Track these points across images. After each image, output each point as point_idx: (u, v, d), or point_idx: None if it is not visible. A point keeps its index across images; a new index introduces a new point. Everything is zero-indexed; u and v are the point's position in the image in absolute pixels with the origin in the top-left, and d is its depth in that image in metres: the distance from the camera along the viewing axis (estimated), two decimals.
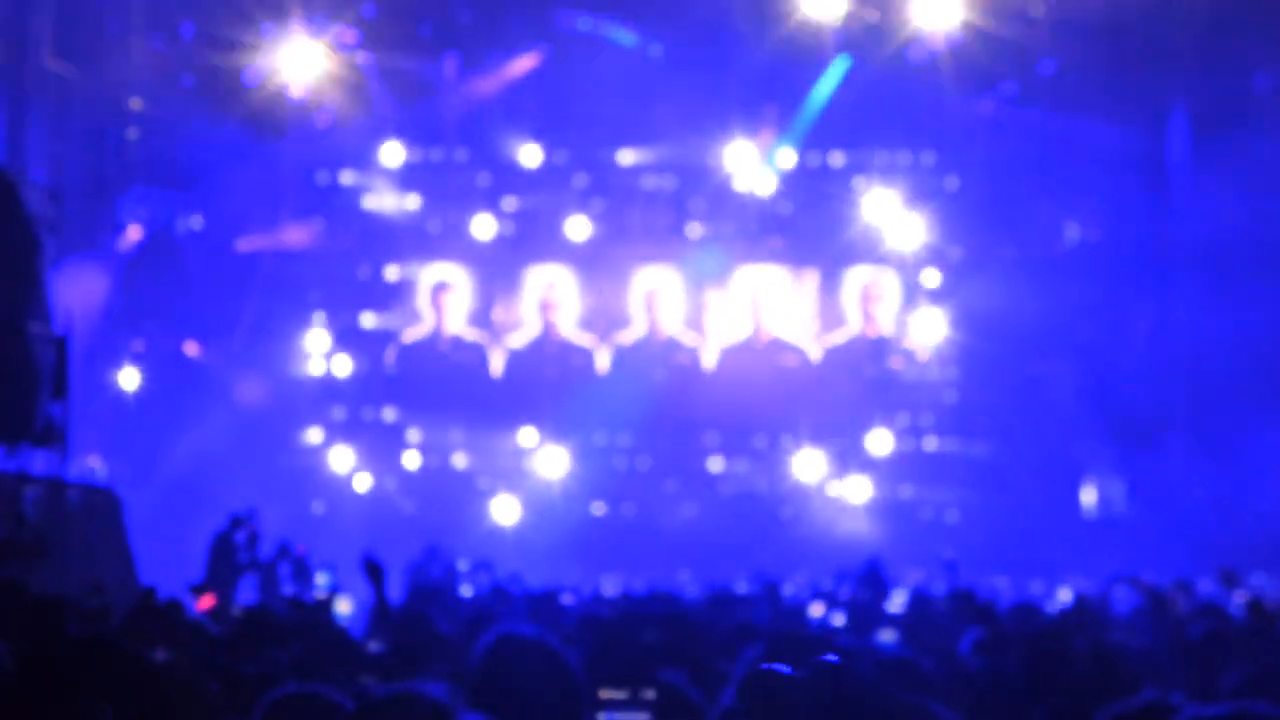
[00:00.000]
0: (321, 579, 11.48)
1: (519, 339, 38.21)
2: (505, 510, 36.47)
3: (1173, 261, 34.70)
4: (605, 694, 5.09)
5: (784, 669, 2.33)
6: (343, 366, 37.64)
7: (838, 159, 37.42)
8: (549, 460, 37.02)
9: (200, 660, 8.25)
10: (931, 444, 37.38)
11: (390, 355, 38.12)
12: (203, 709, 5.86)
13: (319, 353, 37.58)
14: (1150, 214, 34.91)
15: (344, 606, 11.70)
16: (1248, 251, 32.53)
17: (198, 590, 18.78)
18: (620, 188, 37.86)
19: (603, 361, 37.97)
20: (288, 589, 22.83)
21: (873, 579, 20.31)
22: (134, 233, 34.87)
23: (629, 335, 38.16)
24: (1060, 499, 34.95)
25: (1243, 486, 32.08)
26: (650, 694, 5.08)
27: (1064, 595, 21.52)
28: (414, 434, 37.65)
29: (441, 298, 38.29)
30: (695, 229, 37.80)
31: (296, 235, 36.92)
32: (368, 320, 38.11)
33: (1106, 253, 35.49)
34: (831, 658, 2.32)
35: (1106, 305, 35.56)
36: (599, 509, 37.10)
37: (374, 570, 11.56)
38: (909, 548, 31.24)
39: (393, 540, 30.60)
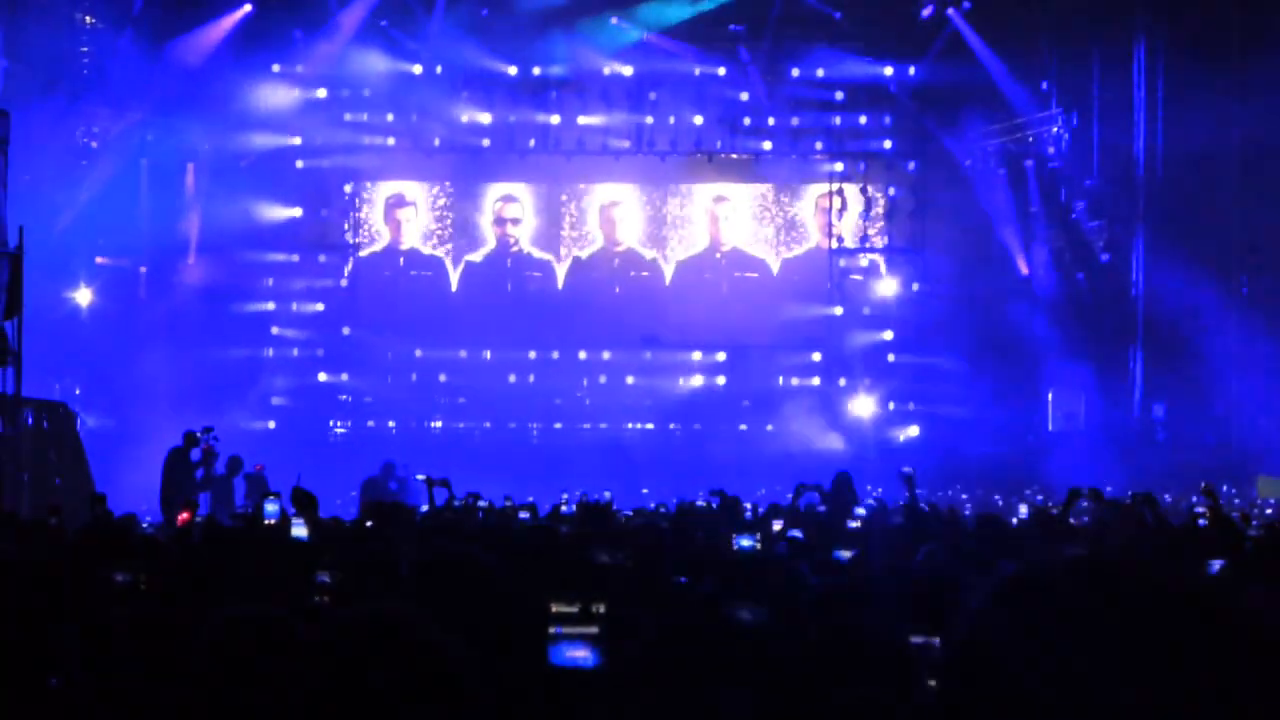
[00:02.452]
0: (270, 506, 11.24)
1: (477, 255, 38.06)
2: (470, 425, 36.48)
3: (1136, 181, 34.57)
4: (556, 608, 5.01)
5: None
6: (300, 282, 37.54)
7: (795, 72, 37.25)
8: (512, 375, 37.04)
9: (155, 579, 8.14)
10: (894, 359, 37.35)
11: (347, 271, 37.95)
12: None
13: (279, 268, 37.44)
14: (1115, 131, 34.76)
15: (300, 530, 11.47)
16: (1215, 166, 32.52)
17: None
18: (575, 103, 37.56)
19: (560, 276, 37.91)
20: (242, 507, 22.68)
21: (840, 494, 20.09)
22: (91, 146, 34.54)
23: (586, 250, 38.06)
24: (1025, 414, 34.91)
25: (1205, 401, 32.13)
26: (601, 608, 4.99)
27: (1024, 510, 21.43)
28: (373, 350, 37.41)
29: (397, 214, 38.09)
30: (657, 142, 37.62)
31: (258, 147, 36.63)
32: (330, 238, 37.92)
33: (1071, 169, 35.39)
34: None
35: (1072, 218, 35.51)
36: (558, 425, 37.06)
37: (303, 500, 11.31)
38: (872, 463, 31.17)
39: (354, 456, 30.62)
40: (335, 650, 3.62)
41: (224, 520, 17.21)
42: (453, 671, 3.67)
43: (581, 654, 4.94)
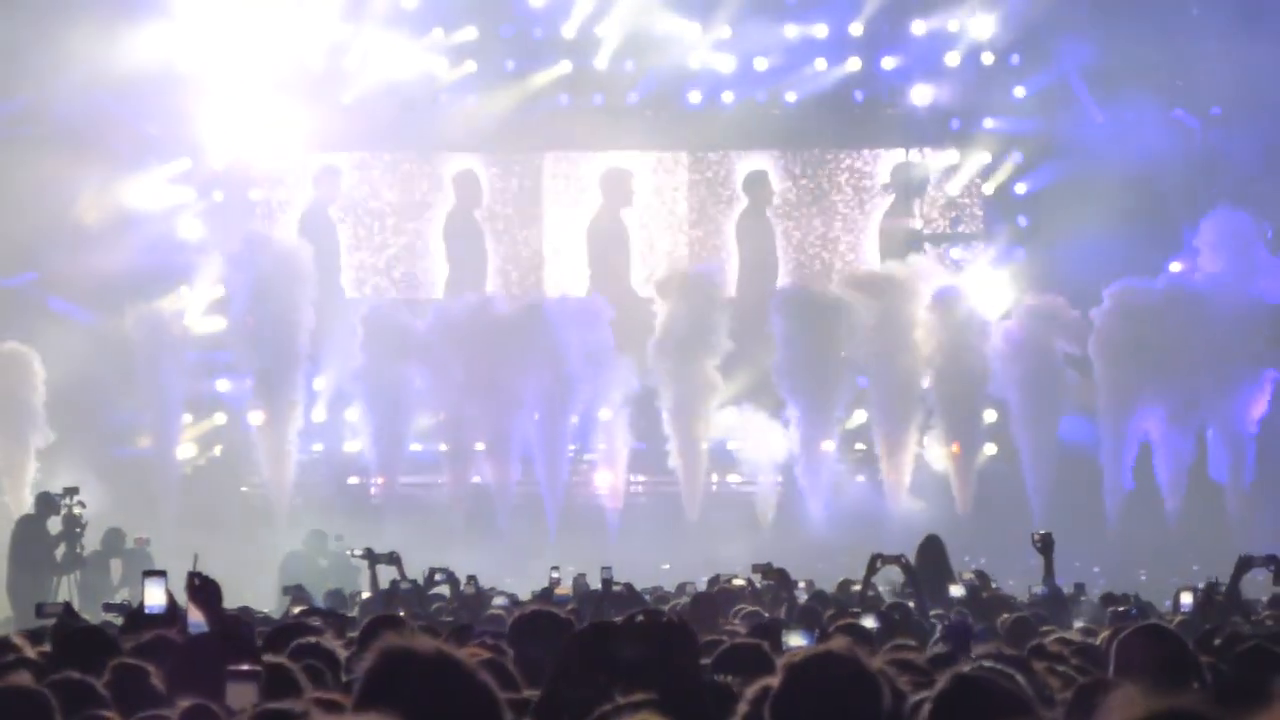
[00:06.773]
0: (154, 594, 10.48)
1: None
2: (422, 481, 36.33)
3: None
4: None
5: None
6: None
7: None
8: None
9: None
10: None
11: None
12: None
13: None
14: None
15: (198, 624, 10.95)
16: None
17: None
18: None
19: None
20: (121, 594, 22.30)
21: (928, 567, 19.70)
22: None
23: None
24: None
25: None
26: None
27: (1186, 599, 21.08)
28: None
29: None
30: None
31: None
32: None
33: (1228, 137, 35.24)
34: None
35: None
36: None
37: (203, 590, 10.73)
38: (985, 522, 31.20)
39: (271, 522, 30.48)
40: None
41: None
42: None
43: None
